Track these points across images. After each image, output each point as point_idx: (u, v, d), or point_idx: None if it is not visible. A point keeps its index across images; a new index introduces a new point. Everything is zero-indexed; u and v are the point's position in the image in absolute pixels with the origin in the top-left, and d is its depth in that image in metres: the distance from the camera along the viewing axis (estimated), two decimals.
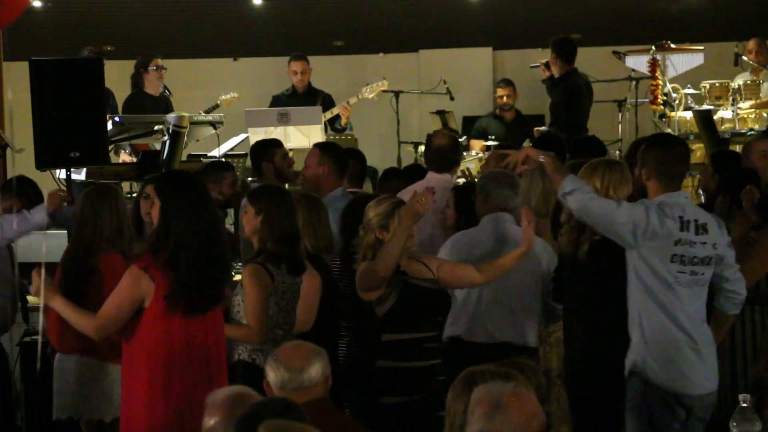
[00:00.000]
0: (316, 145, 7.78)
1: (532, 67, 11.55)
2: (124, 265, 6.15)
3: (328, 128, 11.12)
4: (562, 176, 5.60)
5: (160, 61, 11.08)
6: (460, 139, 11.66)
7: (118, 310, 5.27)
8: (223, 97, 11.29)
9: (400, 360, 5.95)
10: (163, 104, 10.92)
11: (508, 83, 12.25)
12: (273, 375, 4.36)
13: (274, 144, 8.33)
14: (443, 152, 7.54)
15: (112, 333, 5.31)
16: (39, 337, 6.54)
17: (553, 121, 10.94)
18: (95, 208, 6.37)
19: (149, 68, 11.02)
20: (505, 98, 12.15)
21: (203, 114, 10.87)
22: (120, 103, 11.05)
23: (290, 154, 8.59)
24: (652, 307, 5.46)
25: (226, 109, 11.18)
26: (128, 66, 11.36)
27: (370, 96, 11.47)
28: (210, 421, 3.90)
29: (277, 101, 11.39)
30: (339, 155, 7.57)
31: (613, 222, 5.44)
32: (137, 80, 11.10)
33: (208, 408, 3.97)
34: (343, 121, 11.29)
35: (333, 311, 6.43)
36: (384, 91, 11.63)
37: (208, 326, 5.35)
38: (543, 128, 11.13)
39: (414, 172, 8.26)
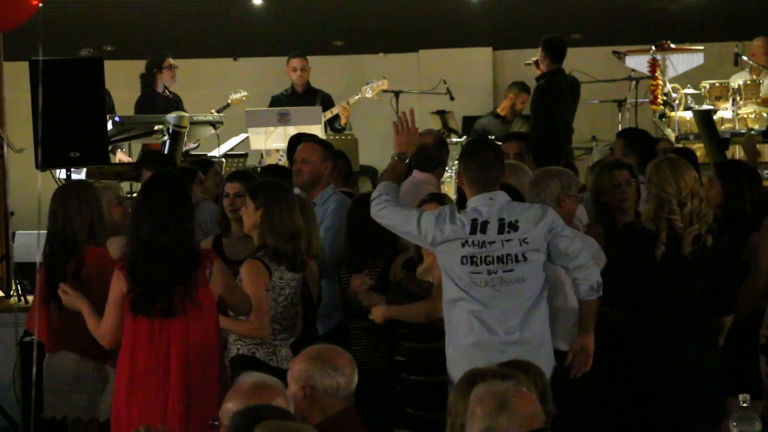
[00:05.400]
0: (318, 142, 7.67)
1: (525, 64, 11.54)
2: (108, 257, 6.16)
3: (328, 128, 11.08)
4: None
5: (172, 61, 11.06)
6: (459, 139, 11.67)
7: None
8: (234, 96, 11.28)
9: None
10: (174, 103, 10.92)
11: (524, 88, 12.07)
12: (325, 379, 4.27)
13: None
14: (427, 151, 7.47)
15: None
16: (35, 337, 6.54)
17: None
18: (63, 204, 6.35)
19: (163, 68, 11.00)
20: (519, 104, 12.03)
21: (214, 113, 10.85)
22: (119, 103, 11.02)
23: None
24: (453, 309, 5.43)
25: (226, 108, 11.17)
26: (128, 66, 11.34)
27: (371, 95, 11.44)
28: (227, 404, 3.89)
29: (276, 101, 11.34)
30: (335, 154, 7.59)
31: (402, 231, 5.57)
32: (149, 80, 11.06)
33: (232, 390, 3.96)
34: (343, 121, 11.24)
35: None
36: (384, 91, 11.60)
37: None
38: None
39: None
